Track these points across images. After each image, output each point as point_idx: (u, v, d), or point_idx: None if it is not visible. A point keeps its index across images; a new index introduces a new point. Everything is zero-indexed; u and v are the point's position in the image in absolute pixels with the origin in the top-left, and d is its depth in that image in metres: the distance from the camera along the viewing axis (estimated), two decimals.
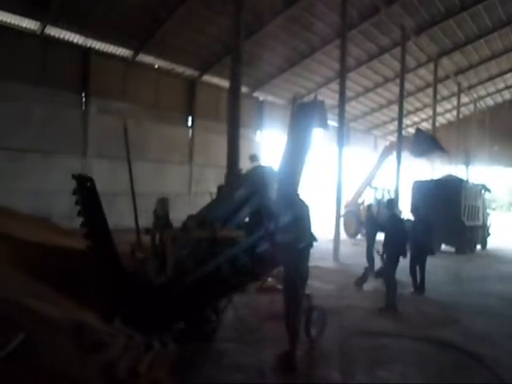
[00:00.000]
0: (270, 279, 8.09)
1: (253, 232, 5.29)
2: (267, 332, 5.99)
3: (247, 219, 5.73)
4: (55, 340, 3.25)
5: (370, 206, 12.62)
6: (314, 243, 5.52)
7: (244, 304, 6.93)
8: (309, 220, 5.38)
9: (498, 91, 30.78)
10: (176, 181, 16.81)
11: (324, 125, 7.95)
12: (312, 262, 10.62)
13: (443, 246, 16.71)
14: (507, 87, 30.06)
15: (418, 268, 9.50)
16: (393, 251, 8.07)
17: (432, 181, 18.34)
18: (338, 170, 13.92)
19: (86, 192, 4.93)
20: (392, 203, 8.69)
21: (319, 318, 6.12)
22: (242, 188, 5.63)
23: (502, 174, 38.12)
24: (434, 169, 25.07)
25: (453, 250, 16.35)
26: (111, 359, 3.80)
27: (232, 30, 10.22)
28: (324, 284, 9.98)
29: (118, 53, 14.96)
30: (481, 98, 31.08)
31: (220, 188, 6.51)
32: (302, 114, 7.69)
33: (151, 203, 5.38)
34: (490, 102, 32.89)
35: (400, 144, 17.39)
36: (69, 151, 13.23)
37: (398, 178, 16.88)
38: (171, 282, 4.78)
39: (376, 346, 6.04)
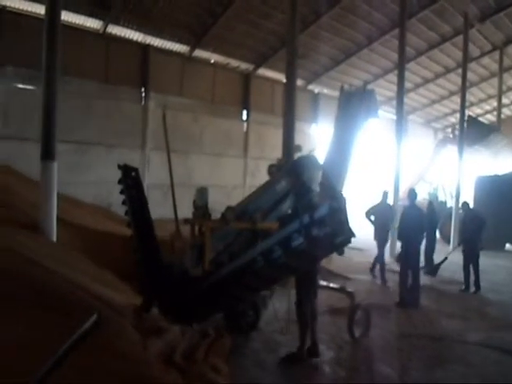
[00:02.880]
0: None
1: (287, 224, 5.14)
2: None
3: (290, 211, 5.60)
4: (119, 323, 3.46)
5: (431, 203, 12.23)
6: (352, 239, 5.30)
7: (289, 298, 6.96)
8: (346, 214, 5.08)
9: None
10: (232, 174, 17.02)
11: (374, 115, 7.73)
12: (366, 259, 10.60)
13: (508, 246, 15.92)
14: None
15: (471, 266, 9.18)
16: (403, 243, 7.85)
17: (496, 176, 17.43)
18: (396, 163, 13.58)
19: (131, 182, 5.12)
20: (413, 193, 8.24)
21: (363, 317, 5.95)
22: (284, 179, 5.37)
23: None
24: (499, 164, 23.65)
25: None
26: (169, 344, 3.98)
27: (287, 24, 10.17)
28: (376, 279, 9.92)
29: (175, 49, 15.32)
30: None
31: None
32: (350, 104, 7.51)
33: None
34: None
35: (461, 137, 16.64)
36: (129, 144, 13.75)
37: (460, 172, 16.17)
38: (207, 274, 4.75)
39: (431, 347, 5.90)
